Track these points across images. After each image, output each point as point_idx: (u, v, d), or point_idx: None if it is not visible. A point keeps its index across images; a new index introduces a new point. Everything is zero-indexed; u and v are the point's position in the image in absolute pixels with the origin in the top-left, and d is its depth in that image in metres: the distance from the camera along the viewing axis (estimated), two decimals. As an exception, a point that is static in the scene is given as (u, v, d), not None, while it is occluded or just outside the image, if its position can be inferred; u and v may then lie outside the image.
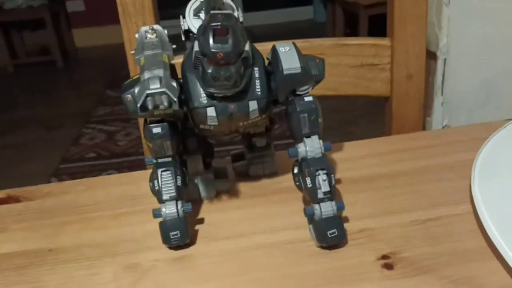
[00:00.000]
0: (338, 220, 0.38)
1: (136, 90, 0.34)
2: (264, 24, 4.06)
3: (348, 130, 2.27)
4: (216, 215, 0.45)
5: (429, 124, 1.05)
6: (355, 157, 0.52)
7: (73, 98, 3.18)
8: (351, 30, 3.18)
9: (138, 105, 0.33)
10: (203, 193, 0.47)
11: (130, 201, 0.48)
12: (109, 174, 2.06)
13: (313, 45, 0.59)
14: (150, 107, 0.33)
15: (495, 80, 1.05)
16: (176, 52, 0.40)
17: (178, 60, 0.41)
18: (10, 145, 2.49)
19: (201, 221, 0.44)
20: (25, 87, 3.43)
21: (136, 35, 0.40)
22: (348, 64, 0.60)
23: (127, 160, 2.17)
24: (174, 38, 0.41)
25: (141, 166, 1.92)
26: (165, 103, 0.33)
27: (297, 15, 4.19)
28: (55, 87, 3.35)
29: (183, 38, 0.44)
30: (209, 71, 0.36)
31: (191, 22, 0.42)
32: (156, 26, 0.41)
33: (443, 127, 1.05)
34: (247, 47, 0.37)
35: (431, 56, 1.00)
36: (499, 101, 1.07)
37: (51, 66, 3.67)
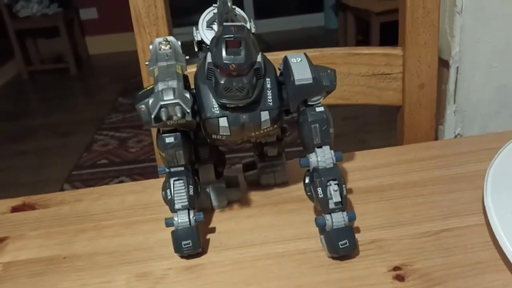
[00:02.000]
0: (349, 231, 0.38)
1: (150, 101, 0.35)
2: (276, 30, 4.07)
3: (362, 138, 2.26)
4: (227, 224, 0.45)
5: (441, 133, 1.05)
6: (367, 167, 0.52)
7: (86, 105, 3.21)
8: (363, 37, 3.17)
9: (153, 116, 0.34)
10: (214, 202, 0.47)
11: (143, 210, 0.49)
12: (121, 180, 2.08)
13: (325, 54, 0.60)
14: (164, 118, 0.34)
15: (509, 88, 1.04)
16: (188, 61, 0.41)
17: (191, 70, 0.42)
18: (24, 151, 2.53)
19: (213, 230, 0.44)
20: (39, 94, 3.47)
21: (150, 46, 0.41)
22: (359, 73, 0.60)
23: (138, 166, 2.18)
24: (186, 45, 0.42)
25: (152, 173, 1.93)
26: (179, 114, 0.34)
27: (309, 22, 4.19)
28: (68, 94, 3.39)
29: (196, 49, 0.44)
30: (222, 82, 0.37)
31: (204, 33, 0.43)
32: (170, 38, 0.41)
33: (456, 136, 1.04)
34: (259, 58, 0.38)
35: (444, 64, 1.00)
36: (513, 109, 1.06)
37: (65, 73, 3.71)
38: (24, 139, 2.67)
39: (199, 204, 0.46)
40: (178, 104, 0.34)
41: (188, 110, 0.34)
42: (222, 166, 0.49)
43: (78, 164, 2.30)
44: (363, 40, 3.17)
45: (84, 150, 2.43)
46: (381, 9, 2.67)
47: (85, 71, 3.86)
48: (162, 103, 0.34)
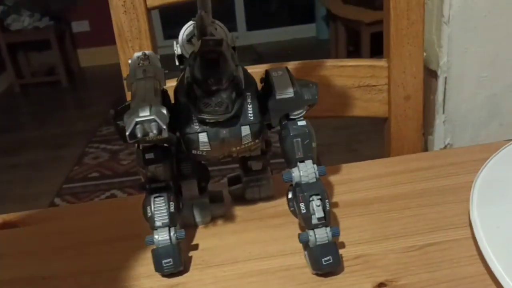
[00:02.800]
0: (333, 247, 0.38)
1: (126, 117, 0.34)
2: (268, 41, 4.09)
3: (353, 147, 2.26)
4: (211, 240, 0.44)
5: (431, 143, 1.04)
6: (353, 179, 0.52)
7: (77, 118, 3.20)
8: (354, 47, 3.19)
9: (127, 133, 0.33)
10: (198, 218, 0.46)
11: (125, 227, 0.48)
12: (112, 193, 2.06)
13: (310, 66, 0.59)
14: (139, 135, 0.33)
15: (498, 97, 1.04)
16: (169, 75, 0.40)
17: (171, 84, 0.41)
18: (15, 164, 2.51)
19: (196, 247, 0.44)
20: (31, 107, 3.46)
21: (129, 61, 0.40)
22: (345, 85, 0.60)
23: (130, 179, 2.16)
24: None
25: (144, 185, 1.91)
26: (155, 131, 0.33)
27: (301, 32, 4.22)
28: (60, 107, 3.38)
29: (177, 63, 0.44)
30: (200, 97, 0.36)
31: (184, 47, 0.42)
32: (149, 52, 0.41)
33: (446, 146, 1.04)
34: (238, 72, 0.37)
35: (432, 74, 1.00)
36: (503, 118, 1.06)
37: (56, 85, 3.70)
38: (15, 152, 2.65)
39: (181, 220, 0.46)
40: (154, 120, 0.33)
41: (164, 127, 0.34)
42: (206, 181, 0.48)
43: (69, 177, 2.28)
44: (354, 50, 3.19)
45: (75, 163, 2.41)
46: (371, 20, 2.69)
47: (77, 84, 3.85)
48: (137, 119, 0.33)
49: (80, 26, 4.05)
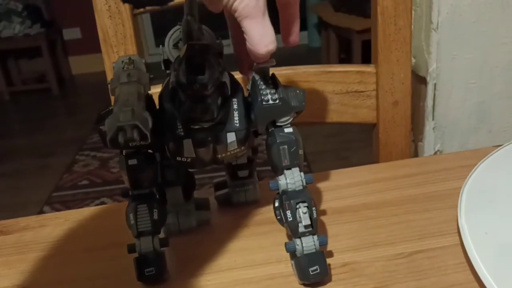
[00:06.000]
0: (320, 256, 0.37)
1: (107, 122, 0.33)
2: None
3: (344, 155, 2.26)
4: (195, 248, 0.43)
5: (421, 149, 1.04)
6: (341, 186, 0.51)
7: (68, 125, 3.18)
8: (345, 55, 3.20)
9: (108, 138, 0.32)
10: (183, 225, 0.45)
11: (107, 235, 0.47)
12: (102, 201, 2.04)
13: (298, 72, 0.59)
14: (120, 140, 0.32)
15: (487, 104, 1.04)
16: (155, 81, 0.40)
17: (156, 90, 0.40)
18: (4, 173, 2.48)
19: (180, 255, 0.43)
20: (21, 114, 3.43)
21: (113, 65, 0.40)
22: (333, 91, 0.59)
23: (120, 187, 2.14)
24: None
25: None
26: (137, 137, 0.32)
27: (292, 40, 4.23)
28: (50, 115, 3.35)
29: (163, 68, 0.43)
30: (185, 102, 0.35)
31: (171, 52, 0.42)
32: (134, 56, 0.40)
33: (436, 152, 1.04)
34: (224, 78, 0.36)
35: (421, 81, 1.00)
36: (492, 125, 1.07)
37: (47, 93, 3.67)
38: (4, 160, 2.62)
39: (166, 228, 0.45)
40: (136, 126, 0.32)
41: (147, 132, 0.33)
42: (192, 187, 0.47)
43: (58, 186, 2.26)
44: (346, 58, 3.20)
45: (65, 171, 2.39)
46: (362, 27, 2.70)
47: (68, 91, 3.83)
48: (119, 124, 0.32)
49: (71, 33, 4.03)
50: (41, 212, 2.05)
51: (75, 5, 3.76)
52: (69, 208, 2.04)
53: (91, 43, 3.98)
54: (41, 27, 3.65)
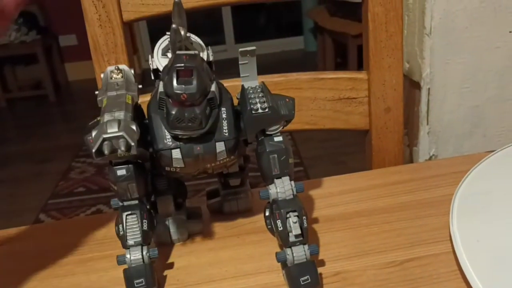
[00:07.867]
0: (311, 266, 0.37)
1: (94, 133, 0.33)
2: (256, 54, 4.09)
3: (340, 159, 2.25)
4: (186, 258, 0.43)
5: (416, 154, 1.04)
6: (333, 193, 0.51)
7: (64, 132, 3.17)
8: (341, 59, 3.20)
9: (93, 150, 0.32)
10: (174, 235, 0.45)
11: (98, 246, 0.46)
12: (98, 208, 2.03)
13: (290, 79, 0.59)
14: (106, 151, 0.32)
15: (481, 109, 1.04)
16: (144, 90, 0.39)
17: (146, 99, 0.40)
18: (0, 180, 2.46)
19: (171, 265, 0.42)
20: (17, 121, 3.42)
21: (102, 75, 0.40)
22: (325, 98, 0.59)
23: (117, 193, 2.13)
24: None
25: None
26: (123, 148, 0.32)
27: (289, 45, 4.23)
28: (46, 121, 3.34)
29: (152, 77, 0.43)
30: (173, 112, 0.35)
31: (159, 61, 0.42)
32: (122, 66, 0.40)
33: (431, 157, 1.04)
34: (213, 87, 0.36)
35: (415, 86, 1.00)
36: (486, 129, 1.07)
37: (43, 100, 3.67)
38: (0, 168, 2.61)
39: (157, 238, 0.44)
40: (122, 137, 0.32)
41: (133, 143, 0.32)
42: (183, 197, 0.47)
43: (54, 193, 2.25)
44: (342, 62, 3.21)
45: (61, 178, 2.38)
46: (357, 32, 2.70)
47: (64, 98, 3.82)
48: (104, 136, 0.32)
49: (67, 40, 4.02)
50: (37, 219, 2.04)
51: (70, 11, 3.75)
52: (65, 215, 2.03)
53: (87, 50, 3.94)
54: (37, 34, 3.64)
